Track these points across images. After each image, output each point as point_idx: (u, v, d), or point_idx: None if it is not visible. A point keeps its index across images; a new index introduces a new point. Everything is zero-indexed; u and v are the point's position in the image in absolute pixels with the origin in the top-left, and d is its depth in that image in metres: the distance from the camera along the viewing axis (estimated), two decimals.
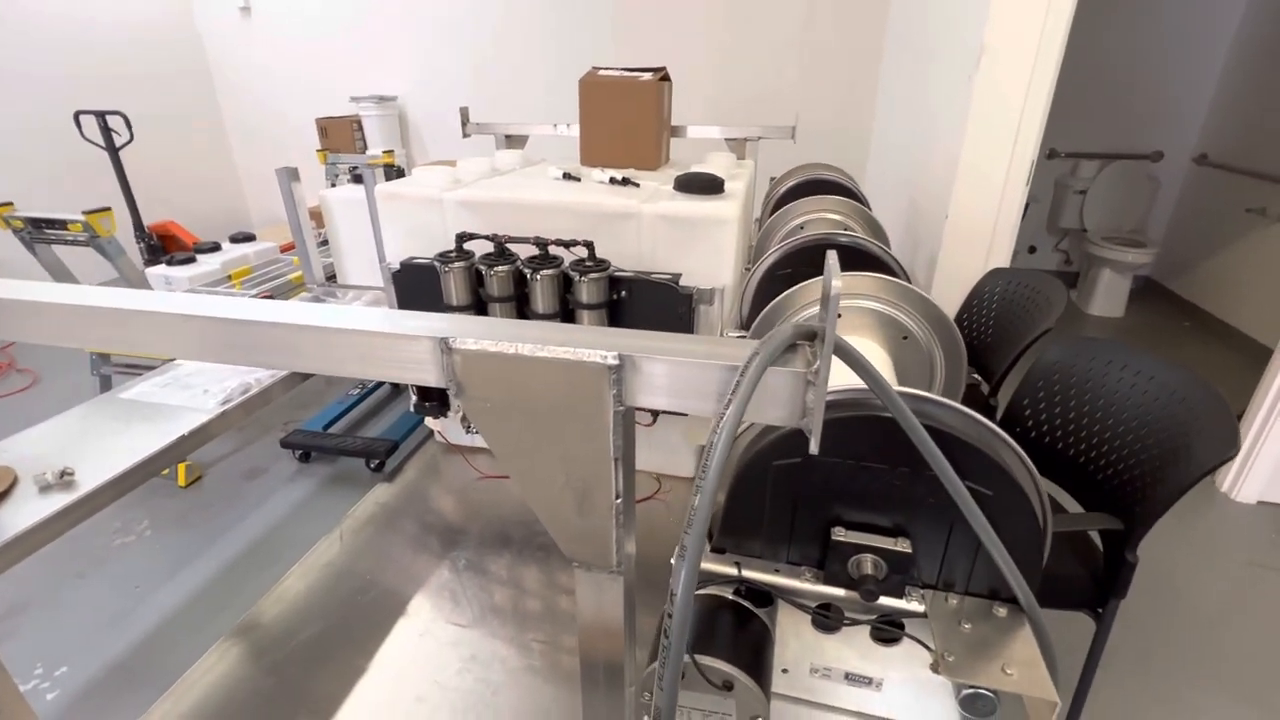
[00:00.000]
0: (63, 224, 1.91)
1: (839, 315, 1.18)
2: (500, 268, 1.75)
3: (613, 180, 2.03)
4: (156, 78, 4.87)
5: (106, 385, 2.37)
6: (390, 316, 0.54)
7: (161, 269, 3.33)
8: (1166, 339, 3.69)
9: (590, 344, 0.48)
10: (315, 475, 2.37)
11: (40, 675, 1.57)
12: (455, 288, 1.81)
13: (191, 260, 3.41)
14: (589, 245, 1.73)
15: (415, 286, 1.95)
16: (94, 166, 3.87)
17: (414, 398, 2.10)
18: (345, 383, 2.92)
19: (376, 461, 2.34)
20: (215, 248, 3.66)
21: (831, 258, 0.46)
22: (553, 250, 1.77)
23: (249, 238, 3.92)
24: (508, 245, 1.78)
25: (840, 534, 0.72)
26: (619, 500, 0.53)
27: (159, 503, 2.23)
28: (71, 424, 1.49)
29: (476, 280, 1.82)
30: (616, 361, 0.47)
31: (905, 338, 1.13)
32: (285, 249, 4.06)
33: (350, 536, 2.02)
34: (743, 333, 1.38)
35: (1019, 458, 0.70)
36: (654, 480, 2.21)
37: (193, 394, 1.63)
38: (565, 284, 1.78)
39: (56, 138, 4.03)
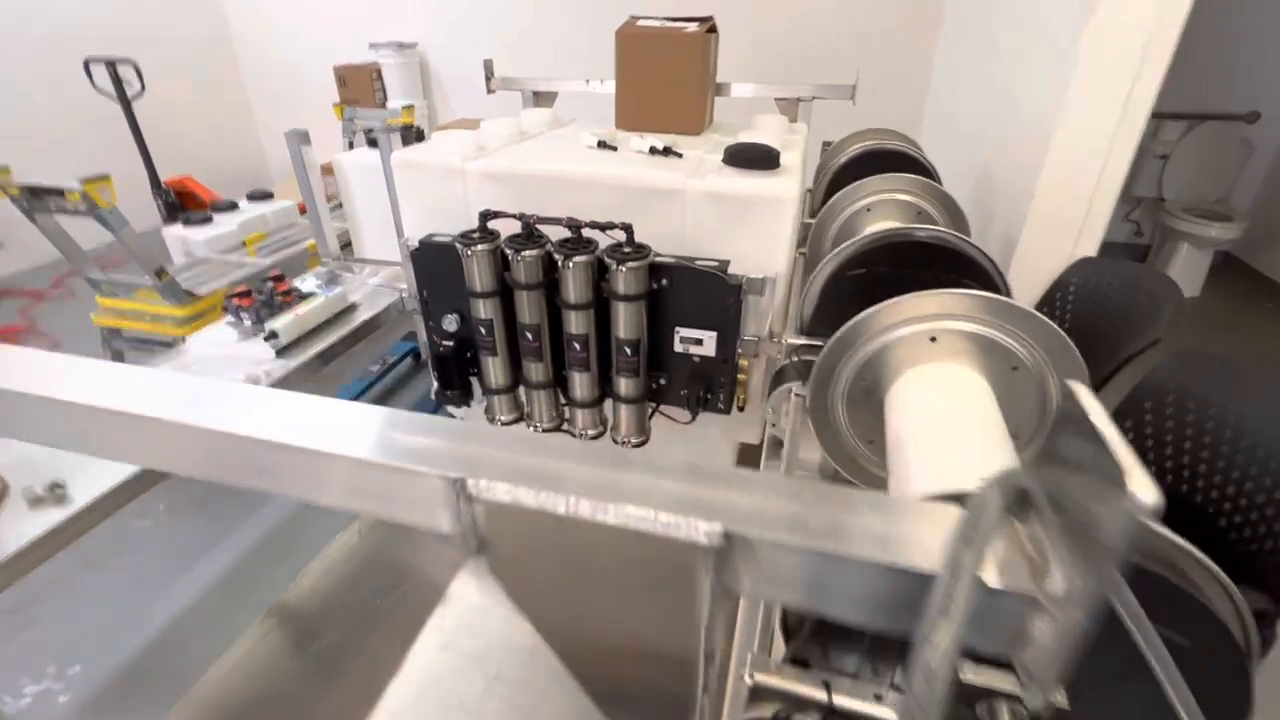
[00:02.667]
0: (60, 193, 1.77)
1: (933, 340, 0.98)
2: (528, 252, 1.57)
3: (653, 150, 1.81)
4: (170, 28, 4.65)
5: (119, 359, 2.27)
6: (395, 428, 0.38)
7: (178, 230, 3.22)
8: (1247, 322, 3.39)
9: (679, 503, 0.32)
10: None
11: (53, 674, 1.52)
12: (479, 272, 1.64)
13: (208, 220, 3.29)
14: (627, 229, 1.54)
15: (435, 267, 1.79)
16: (109, 121, 3.72)
17: (435, 384, 1.97)
18: (365, 359, 2.81)
19: None
20: (232, 206, 3.53)
21: (1084, 393, 0.29)
22: (586, 233, 1.58)
23: (267, 195, 3.77)
24: (537, 226, 1.60)
25: (970, 674, 0.56)
26: (704, 699, 0.38)
27: (176, 482, 2.16)
28: None
29: (502, 264, 1.65)
30: (720, 542, 0.31)
31: (1015, 368, 0.94)
32: (305, 209, 3.90)
33: (369, 532, 1.93)
34: (807, 340, 1.20)
35: (1227, 594, 0.53)
36: None
37: None
38: (599, 270, 1.60)
39: (71, 91, 3.87)
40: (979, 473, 0.69)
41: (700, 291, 1.60)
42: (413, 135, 2.23)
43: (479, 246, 1.60)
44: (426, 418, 0.41)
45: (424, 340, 1.98)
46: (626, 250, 1.54)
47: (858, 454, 1.08)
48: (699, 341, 1.67)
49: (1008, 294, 1.24)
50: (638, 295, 1.57)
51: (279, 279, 1.84)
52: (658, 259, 1.56)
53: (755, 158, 1.69)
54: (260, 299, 1.78)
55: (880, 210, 1.63)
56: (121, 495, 1.20)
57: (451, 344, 1.84)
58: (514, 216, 1.60)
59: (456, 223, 1.79)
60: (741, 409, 1.81)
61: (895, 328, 0.97)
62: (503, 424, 1.89)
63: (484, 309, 1.69)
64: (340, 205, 2.94)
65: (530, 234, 1.61)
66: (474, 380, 1.96)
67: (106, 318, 2.15)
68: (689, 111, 2.12)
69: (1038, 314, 0.91)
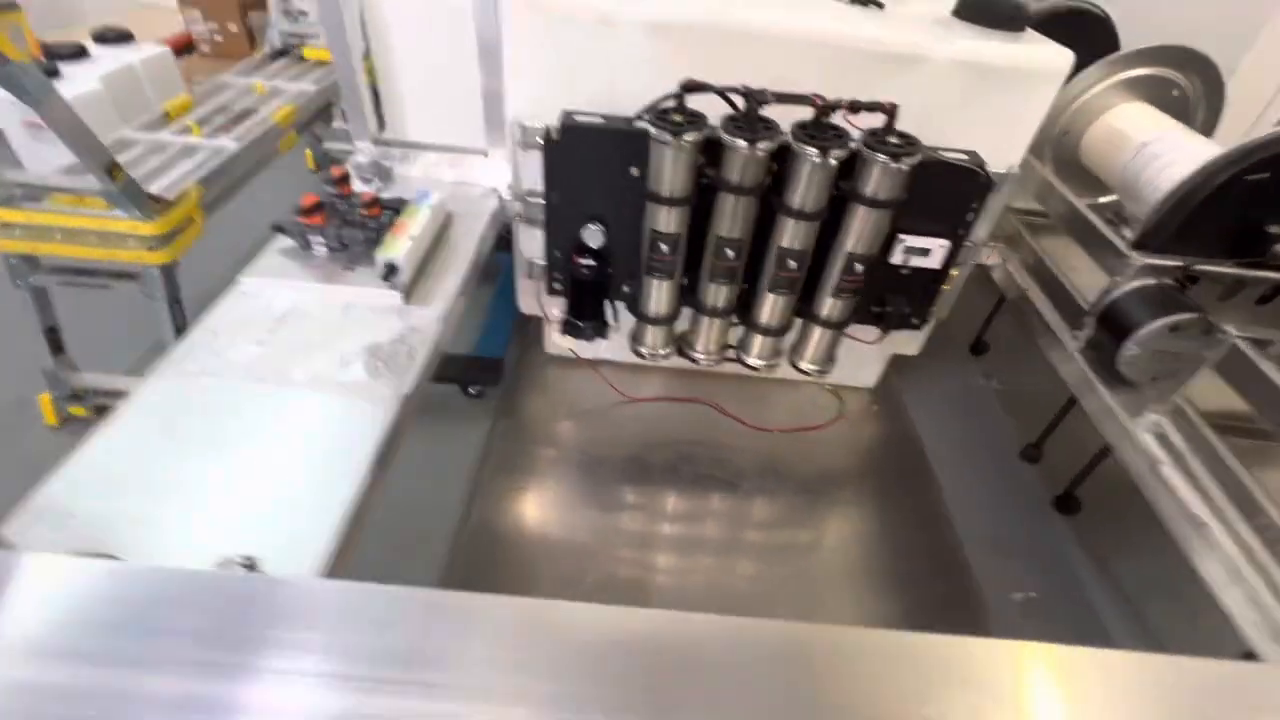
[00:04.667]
0: None
1: None
2: (763, 144, 1.16)
3: None
4: None
5: (44, 301, 1.54)
6: None
7: None
8: None
9: None
10: None
11: None
12: (673, 170, 1.22)
13: (54, 73, 2.27)
14: (892, 111, 1.18)
15: (573, 160, 1.30)
16: None
17: (556, 315, 1.54)
18: None
19: (478, 389, 1.80)
20: (80, 53, 2.45)
21: None
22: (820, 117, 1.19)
23: (124, 36, 2.67)
24: (763, 106, 1.18)
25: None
26: None
27: None
28: (151, 450, 0.86)
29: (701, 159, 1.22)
30: None
31: None
32: (179, 47, 2.94)
33: (487, 498, 1.55)
34: (1180, 260, 0.98)
35: None
36: (833, 397, 1.88)
37: (308, 362, 1.00)
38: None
39: None
40: None
41: (945, 190, 1.30)
42: None
43: (688, 133, 1.15)
44: None
45: (525, 257, 1.50)
46: (893, 142, 1.18)
47: None
48: (925, 252, 1.39)
49: None
50: (890, 200, 1.24)
51: (343, 180, 1.25)
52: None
53: (998, 12, 1.34)
54: (330, 215, 1.20)
55: (1134, 88, 1.39)
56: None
57: (594, 264, 1.41)
58: (732, 93, 1.15)
59: (581, 100, 1.29)
60: (927, 321, 1.61)
61: None
62: (660, 358, 1.53)
63: (669, 220, 1.27)
64: (302, 14, 2.22)
65: (750, 116, 1.18)
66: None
67: (16, 239, 1.39)
68: None
69: None
